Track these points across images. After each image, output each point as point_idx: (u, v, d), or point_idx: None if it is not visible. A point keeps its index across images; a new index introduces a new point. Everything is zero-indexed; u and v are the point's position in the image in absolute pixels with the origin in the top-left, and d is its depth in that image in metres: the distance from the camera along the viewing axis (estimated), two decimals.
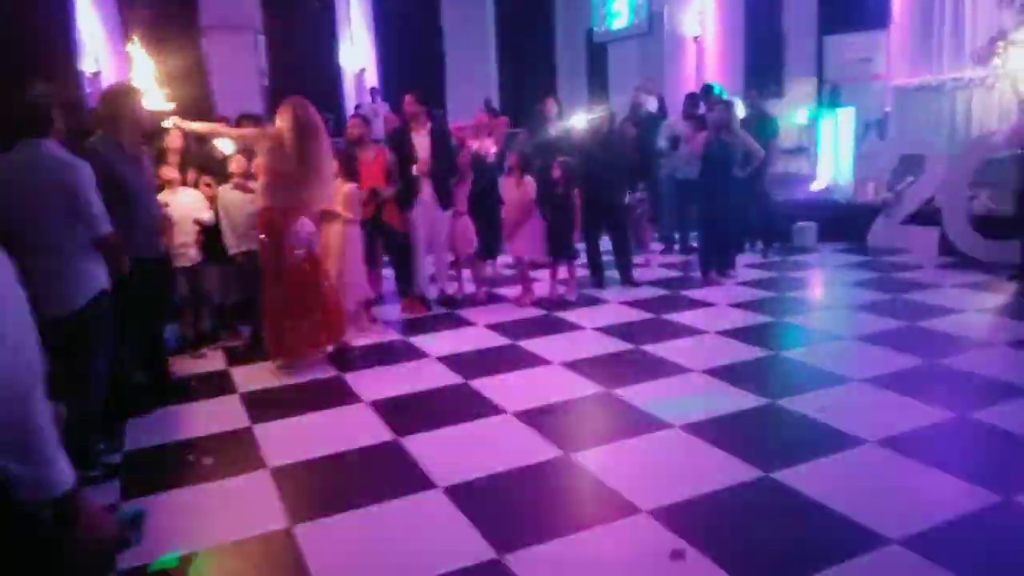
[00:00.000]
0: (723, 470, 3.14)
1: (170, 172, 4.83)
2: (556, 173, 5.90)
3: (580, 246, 6.30)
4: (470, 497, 3.03)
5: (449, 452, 3.46)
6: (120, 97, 3.83)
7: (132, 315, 3.76)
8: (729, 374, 4.24)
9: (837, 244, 7.69)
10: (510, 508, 2.98)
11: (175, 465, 3.50)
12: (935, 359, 4.33)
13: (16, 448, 1.26)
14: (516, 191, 5.90)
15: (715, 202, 6.37)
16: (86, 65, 10.90)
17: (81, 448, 3.31)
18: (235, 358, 4.99)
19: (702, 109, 8.04)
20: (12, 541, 1.34)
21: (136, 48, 4.10)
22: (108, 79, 10.58)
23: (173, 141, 4.93)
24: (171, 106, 4.40)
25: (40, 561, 1.37)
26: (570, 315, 5.68)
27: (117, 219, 3.37)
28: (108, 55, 11.12)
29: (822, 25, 9.23)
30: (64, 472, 1.33)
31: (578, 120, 7.22)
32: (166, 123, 4.46)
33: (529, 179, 5.86)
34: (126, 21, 11.18)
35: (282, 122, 4.39)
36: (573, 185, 5.91)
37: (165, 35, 10.97)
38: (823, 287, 6.25)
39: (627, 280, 6.43)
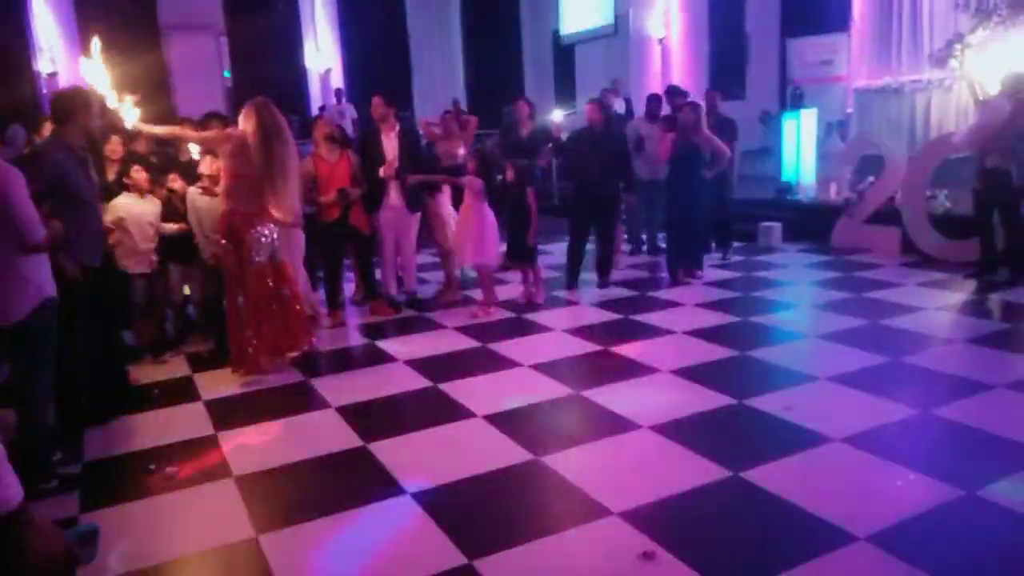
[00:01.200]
0: (692, 470, 3.16)
1: (139, 175, 4.72)
2: (509, 175, 5.84)
3: (551, 247, 6.28)
4: (440, 502, 3.01)
5: (418, 456, 3.43)
6: (72, 100, 3.72)
7: (81, 323, 3.65)
8: (696, 374, 4.27)
9: (801, 244, 7.81)
10: (480, 512, 2.96)
11: (136, 475, 3.41)
12: (897, 356, 4.41)
13: None
14: (466, 195, 5.72)
15: (682, 203, 6.41)
16: (42, 66, 10.63)
17: (34, 458, 3.22)
18: (199, 364, 4.89)
19: (665, 110, 8.11)
20: None
21: (95, 51, 3.98)
22: (65, 80, 10.34)
23: (114, 150, 4.83)
24: (135, 112, 4.29)
25: None
26: (540, 317, 5.68)
27: (65, 224, 3.28)
28: (65, 56, 10.86)
29: (784, 27, 9.38)
30: (10, 488, 1.29)
31: (556, 118, 7.22)
32: (129, 126, 4.35)
33: (473, 179, 5.67)
34: (83, 21, 10.93)
35: (246, 124, 4.30)
36: (526, 186, 5.84)
37: (125, 35, 10.78)
38: (788, 287, 6.34)
39: (604, 280, 6.43)
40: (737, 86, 9.97)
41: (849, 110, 8.70)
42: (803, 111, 8.50)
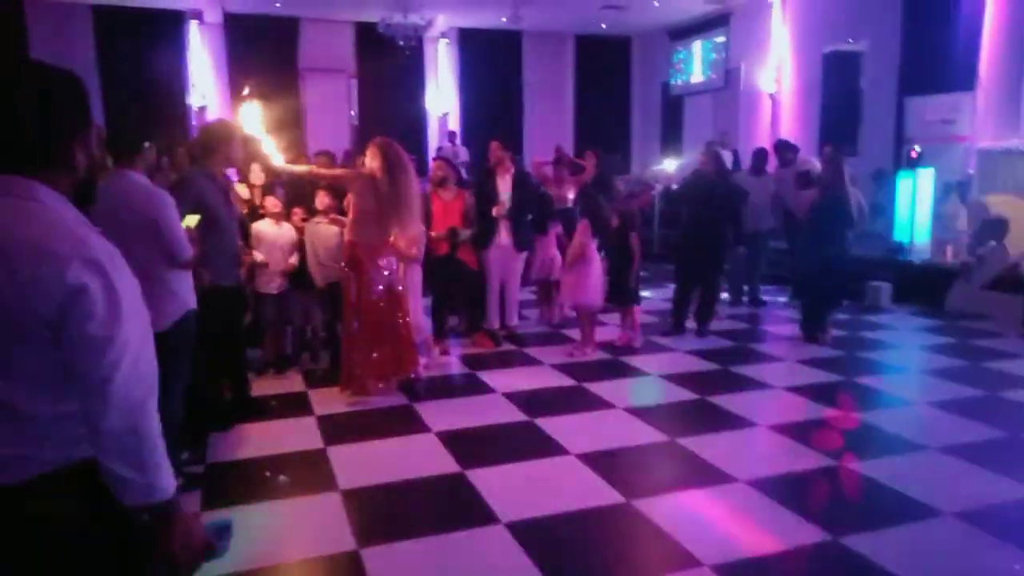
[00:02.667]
0: (788, 530, 3.11)
1: (275, 205, 5.17)
2: (614, 220, 5.94)
3: (649, 292, 6.32)
4: (532, 535, 3.07)
5: (512, 488, 3.53)
6: (216, 135, 4.09)
7: (211, 337, 3.95)
8: (796, 431, 4.19)
9: (911, 306, 7.50)
10: (571, 550, 3.02)
11: (252, 480, 3.67)
12: (1018, 432, 4.18)
13: (127, 454, 1.33)
14: (581, 233, 5.85)
15: (821, 260, 6.01)
16: (193, 100, 11.69)
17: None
18: (313, 381, 5.20)
19: (771, 164, 8.06)
20: (110, 541, 1.42)
21: (248, 97, 4.39)
22: (212, 113, 11.33)
23: (257, 177, 5.32)
24: (279, 155, 4.72)
25: (133, 562, 1.45)
26: (636, 360, 5.71)
27: (204, 245, 3.60)
28: (215, 91, 11.91)
29: (903, 85, 9.13)
30: (168, 480, 1.39)
31: (668, 167, 7.32)
32: (273, 165, 4.80)
33: (585, 223, 5.81)
34: (233, 61, 11.96)
35: (373, 162, 4.62)
36: (630, 231, 5.92)
37: (268, 75, 11.76)
38: (896, 349, 6.09)
39: (703, 329, 6.42)
40: (849, 143, 9.74)
41: (971, 171, 8.34)
42: (920, 170, 8.23)
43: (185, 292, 3.41)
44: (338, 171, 5.23)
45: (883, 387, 5.13)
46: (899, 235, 8.35)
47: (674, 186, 6.99)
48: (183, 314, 3.37)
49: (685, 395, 4.90)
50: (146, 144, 3.38)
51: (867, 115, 10.02)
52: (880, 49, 9.55)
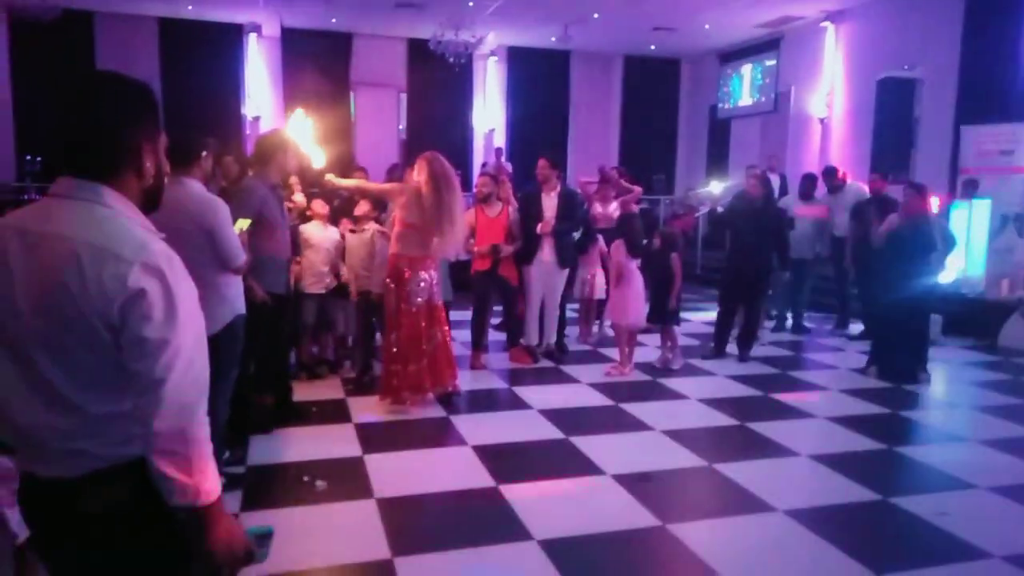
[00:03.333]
0: (826, 564, 3.04)
1: (321, 208, 5.32)
2: (656, 241, 5.92)
3: (688, 315, 6.27)
4: (564, 553, 3.06)
5: (547, 505, 3.52)
6: (273, 145, 4.21)
7: (259, 343, 4.04)
8: (839, 463, 4.09)
9: (963, 340, 7.28)
10: (604, 570, 3.00)
11: (291, 484, 3.73)
12: None
13: (176, 455, 1.37)
14: (615, 254, 5.87)
15: (901, 295, 5.61)
16: (248, 110, 12.03)
17: None
18: (352, 389, 5.27)
19: (820, 190, 7.95)
20: (159, 538, 1.45)
21: (300, 114, 4.49)
22: (266, 124, 11.67)
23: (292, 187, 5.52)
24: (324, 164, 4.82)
25: (181, 560, 1.48)
26: (675, 383, 5.65)
27: (258, 249, 3.68)
28: (270, 102, 12.25)
29: (960, 113, 8.93)
30: (214, 483, 1.42)
31: (715, 189, 7.29)
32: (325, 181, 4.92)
33: (619, 242, 5.82)
34: (288, 73, 12.31)
35: (420, 175, 4.69)
36: (672, 252, 5.89)
37: (321, 87, 12.06)
38: (947, 384, 5.91)
39: (744, 353, 6.35)
40: (902, 170, 9.53)
41: None
42: (975, 201, 8.02)
43: (235, 297, 3.48)
44: (385, 185, 5.34)
45: (932, 422, 4.98)
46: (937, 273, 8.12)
47: (719, 208, 6.91)
48: (233, 319, 3.43)
49: (724, 420, 4.83)
50: (203, 153, 3.47)
51: (922, 143, 9.82)
52: (936, 76, 9.37)
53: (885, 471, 4.06)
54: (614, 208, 6.53)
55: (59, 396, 1.37)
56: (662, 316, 5.96)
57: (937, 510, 3.50)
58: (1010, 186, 8.19)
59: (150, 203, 1.53)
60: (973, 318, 7.45)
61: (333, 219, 5.56)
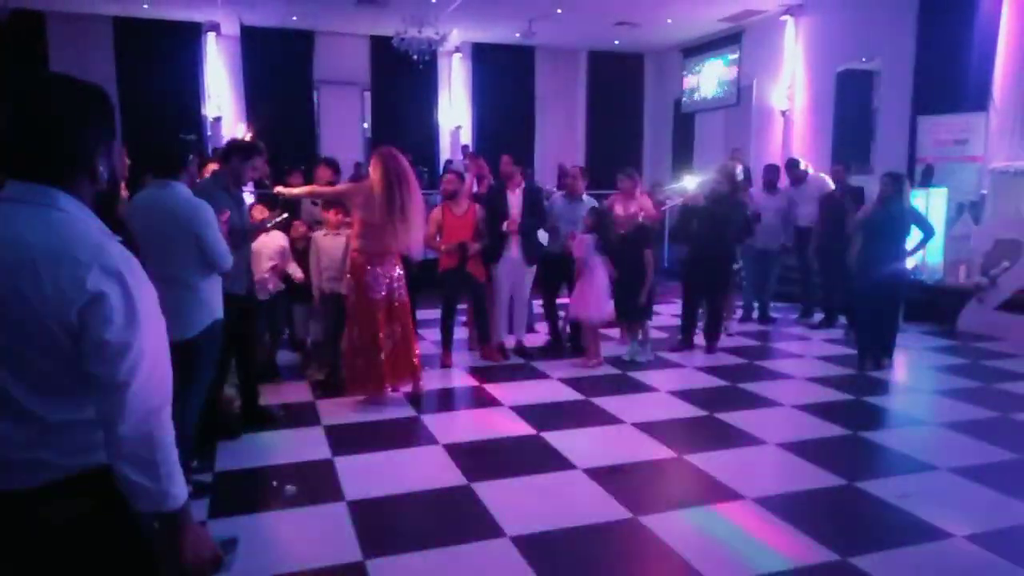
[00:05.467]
0: (796, 549, 3.08)
1: (260, 213, 5.20)
2: (631, 241, 5.94)
3: (656, 308, 6.33)
4: (537, 549, 3.06)
5: (518, 502, 3.52)
6: (232, 149, 4.25)
7: (226, 346, 4.00)
8: (805, 450, 4.16)
9: (923, 326, 7.45)
10: (577, 565, 3.01)
11: (260, 489, 3.68)
12: None
13: (141, 460, 1.35)
14: (578, 249, 5.83)
15: (876, 278, 5.79)
16: (209, 111, 11.82)
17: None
18: (320, 391, 5.22)
19: (783, 181, 8.07)
20: (124, 547, 1.42)
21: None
22: (227, 124, 11.49)
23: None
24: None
25: (146, 570, 1.45)
26: (644, 376, 5.70)
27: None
28: (230, 103, 12.06)
29: (916, 104, 9.12)
30: (180, 488, 1.40)
31: (689, 184, 7.34)
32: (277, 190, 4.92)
33: (590, 238, 5.80)
34: (249, 72, 12.12)
35: (374, 172, 4.70)
36: (644, 247, 5.93)
37: (282, 87, 11.90)
38: (907, 369, 6.05)
39: (711, 345, 6.41)
40: (862, 161, 9.71)
41: (984, 191, 8.30)
42: (932, 189, 8.20)
43: (214, 302, 3.47)
44: (339, 187, 5.29)
45: (894, 407, 5.09)
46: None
47: (694, 204, 6.91)
48: (211, 323, 3.42)
49: (693, 411, 4.88)
50: (190, 157, 3.54)
51: (880, 133, 10.01)
52: (893, 68, 9.55)
53: (850, 456, 4.14)
54: (634, 211, 6.40)
55: (15, 405, 1.34)
56: (632, 310, 5.99)
57: (900, 493, 3.58)
58: (965, 175, 8.39)
59: (105, 207, 1.51)
60: (932, 304, 7.62)
61: (287, 224, 5.49)
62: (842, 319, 7.41)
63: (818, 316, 7.69)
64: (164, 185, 3.35)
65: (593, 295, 5.77)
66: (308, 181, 6.17)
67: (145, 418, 1.35)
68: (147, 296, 1.39)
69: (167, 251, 3.28)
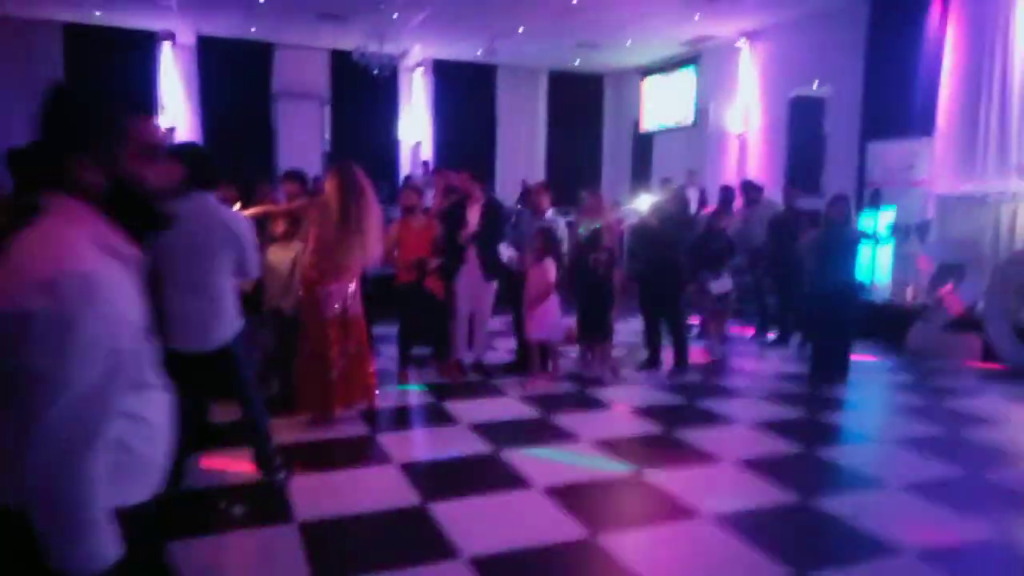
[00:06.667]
0: (752, 566, 3.09)
1: None
2: (601, 256, 5.95)
3: (616, 326, 6.35)
4: (494, 570, 3.01)
5: (475, 522, 3.46)
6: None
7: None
8: (761, 467, 4.18)
9: (871, 345, 7.62)
10: None
11: (207, 511, 3.54)
12: (978, 471, 4.23)
13: (50, 504, 1.21)
14: (536, 272, 5.82)
15: (834, 301, 5.97)
16: (162, 121, 11.56)
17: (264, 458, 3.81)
18: (271, 408, 5.05)
19: (738, 203, 8.22)
20: None
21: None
22: (181, 136, 11.24)
23: None
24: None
25: None
26: (604, 393, 5.69)
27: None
28: (185, 114, 11.81)
29: (865, 130, 9.41)
30: (103, 546, 1.25)
31: (642, 204, 7.39)
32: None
33: (549, 261, 5.80)
34: (205, 83, 11.89)
35: (329, 185, 4.62)
36: (613, 268, 5.98)
37: (240, 98, 11.68)
38: (858, 387, 6.17)
39: (680, 366, 6.34)
40: (813, 184, 9.97)
41: (930, 215, 8.58)
42: (880, 212, 8.44)
43: (236, 308, 3.58)
44: (293, 204, 5.21)
45: (846, 424, 5.17)
46: (860, 275, 8.50)
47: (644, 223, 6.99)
48: (240, 326, 3.54)
49: (652, 429, 4.88)
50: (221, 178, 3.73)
51: (830, 158, 10.28)
52: (843, 94, 9.85)
53: (803, 473, 4.18)
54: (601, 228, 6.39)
55: None
56: (597, 330, 6.00)
57: (851, 509, 3.62)
58: (912, 198, 8.66)
59: (152, 220, 1.43)
60: (880, 324, 7.81)
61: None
62: (795, 338, 7.53)
63: (772, 335, 7.81)
64: (200, 196, 3.37)
65: (551, 316, 5.78)
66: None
67: (56, 461, 1.21)
68: (94, 326, 1.24)
69: (204, 260, 3.36)
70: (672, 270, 6.32)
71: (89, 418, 1.24)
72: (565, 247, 6.28)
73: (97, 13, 10.63)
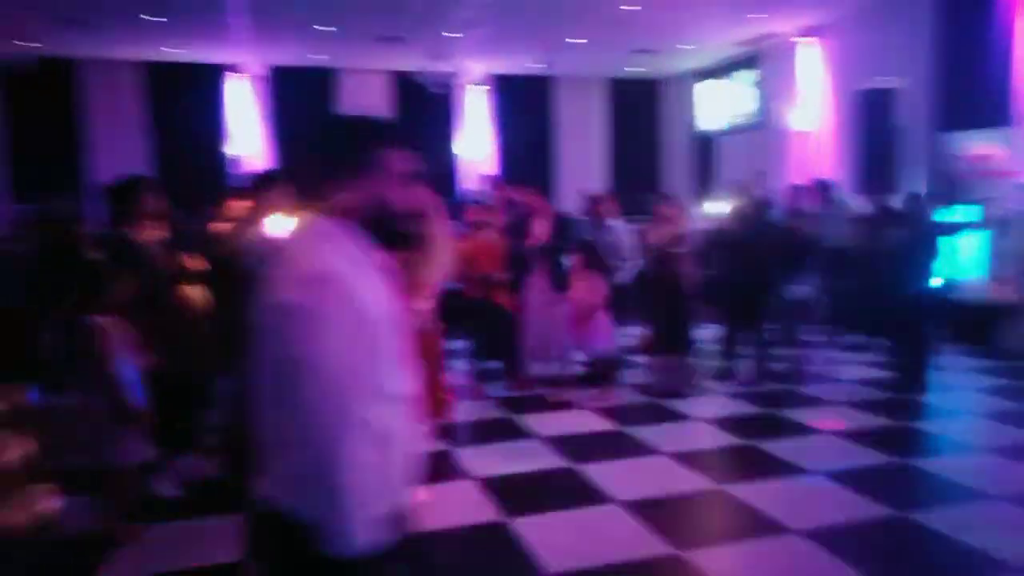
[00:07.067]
0: None
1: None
2: (683, 278, 5.86)
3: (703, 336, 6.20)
4: None
5: (558, 538, 3.43)
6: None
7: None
8: (851, 479, 4.02)
9: (960, 346, 7.25)
10: None
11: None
12: None
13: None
14: (580, 289, 5.68)
15: (912, 302, 5.80)
16: (235, 150, 12.03)
17: None
18: None
19: (809, 202, 7.96)
20: None
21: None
22: (253, 164, 11.69)
23: None
24: None
25: None
26: (680, 405, 5.57)
27: None
28: (257, 142, 12.27)
29: (939, 121, 9.00)
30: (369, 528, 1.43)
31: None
32: None
33: (596, 277, 5.68)
34: (274, 111, 12.32)
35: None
36: (683, 277, 5.86)
37: (308, 124, 12.01)
38: (949, 392, 5.86)
39: (761, 375, 6.18)
40: (887, 179, 9.58)
41: (1018, 207, 8.12)
42: (966, 206, 8.04)
43: None
44: None
45: (941, 432, 4.92)
46: (946, 272, 8.11)
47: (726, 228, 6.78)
48: None
49: (733, 440, 4.75)
50: None
51: (903, 152, 9.88)
52: (913, 86, 9.45)
53: (899, 485, 3.99)
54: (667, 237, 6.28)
55: None
56: (675, 341, 5.89)
57: (955, 524, 3.43)
58: (1002, 191, 8.21)
59: (401, 239, 1.67)
60: (969, 324, 7.42)
61: None
62: (879, 342, 7.22)
63: (849, 338, 7.51)
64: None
65: (601, 328, 5.67)
66: None
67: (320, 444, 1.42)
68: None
69: None
70: (761, 277, 6.13)
71: (343, 392, 1.38)
72: (626, 255, 6.19)
73: (163, 49, 11.16)
